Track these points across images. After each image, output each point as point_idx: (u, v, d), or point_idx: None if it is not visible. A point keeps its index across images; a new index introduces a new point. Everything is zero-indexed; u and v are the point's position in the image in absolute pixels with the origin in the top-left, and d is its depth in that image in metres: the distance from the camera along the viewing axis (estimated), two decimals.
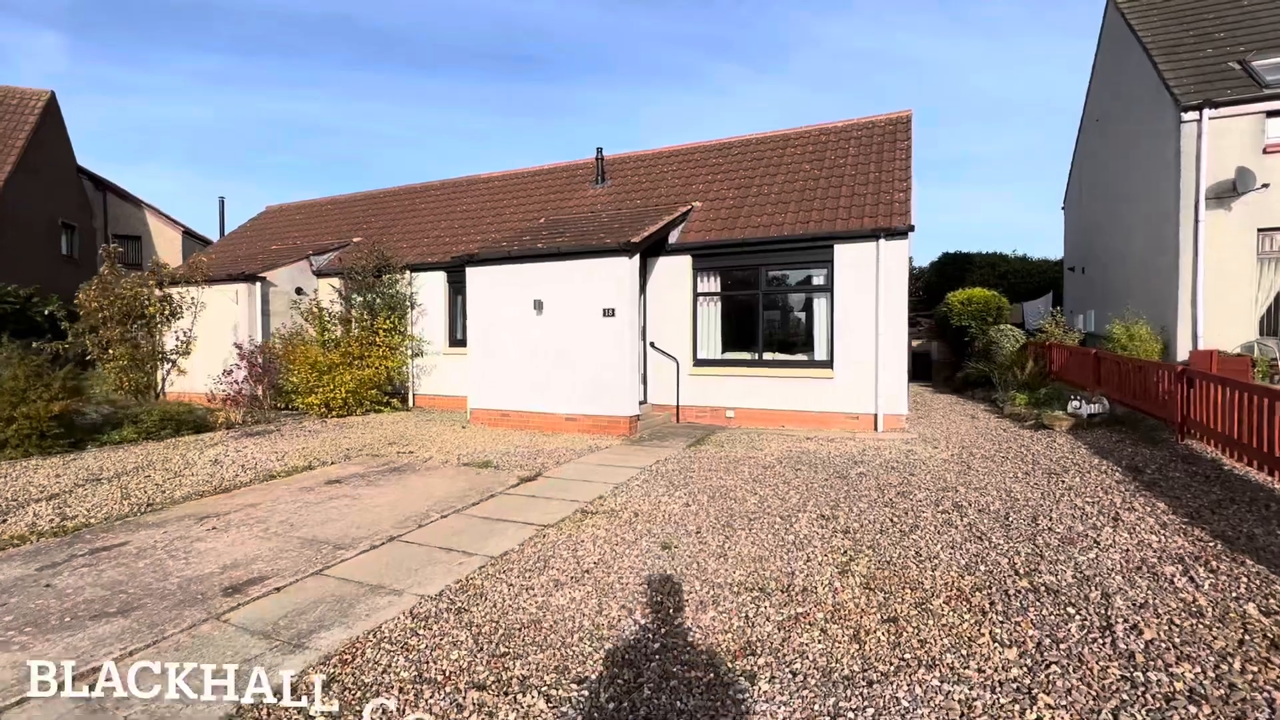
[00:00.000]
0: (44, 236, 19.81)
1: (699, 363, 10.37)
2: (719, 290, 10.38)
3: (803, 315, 10.30)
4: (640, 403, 10.38)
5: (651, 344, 10.52)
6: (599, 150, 13.46)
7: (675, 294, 10.41)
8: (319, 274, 13.89)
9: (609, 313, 9.03)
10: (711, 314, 10.40)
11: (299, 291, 13.62)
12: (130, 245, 23.41)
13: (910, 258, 10.03)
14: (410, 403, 12.92)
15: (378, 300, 12.41)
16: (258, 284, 12.83)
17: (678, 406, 10.38)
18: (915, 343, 18.44)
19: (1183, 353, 10.33)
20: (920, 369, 17.17)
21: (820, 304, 9.69)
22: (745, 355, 10.28)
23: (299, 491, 6.19)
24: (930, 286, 23.80)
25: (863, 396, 9.20)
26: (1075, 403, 7.92)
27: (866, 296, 9.14)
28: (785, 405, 9.67)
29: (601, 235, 9.58)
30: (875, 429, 9.10)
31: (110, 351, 9.18)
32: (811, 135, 12.29)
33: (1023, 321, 19.63)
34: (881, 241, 8.99)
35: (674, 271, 10.43)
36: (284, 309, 13.40)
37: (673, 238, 10.46)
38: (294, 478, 6.77)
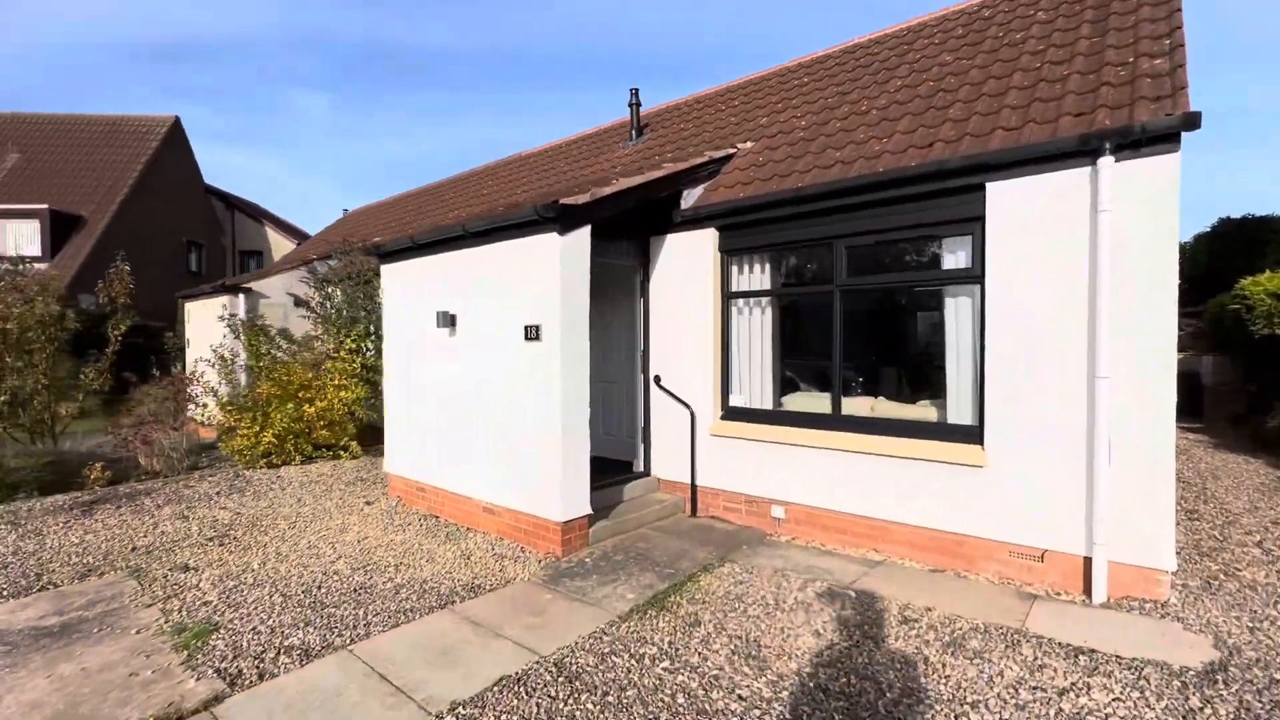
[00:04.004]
0: (170, 254, 20.80)
1: (730, 414, 5.96)
2: (766, 287, 5.86)
3: (921, 331, 5.42)
4: (638, 475, 6.30)
5: (656, 380, 6.33)
6: (633, 94, 9.47)
7: (690, 294, 6.12)
8: (323, 282, 11.70)
9: (532, 333, 5.08)
10: (752, 329, 5.93)
11: (297, 303, 11.55)
12: (253, 259, 24.44)
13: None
14: None
15: (342, 311, 9.74)
16: (241, 295, 10.94)
17: (693, 487, 6.08)
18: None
19: None
20: (1182, 400, 10.54)
21: (957, 308, 4.78)
22: (810, 405, 5.64)
23: None
24: (1194, 267, 15.93)
25: (1054, 510, 4.16)
26: None
27: (1066, 286, 4.11)
28: (883, 510, 4.91)
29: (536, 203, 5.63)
30: (1086, 595, 4.01)
31: None
32: (961, 15, 7.10)
33: None
34: (1106, 164, 3.89)
35: (689, 257, 6.14)
36: (279, 322, 11.41)
37: (688, 200, 6.17)
38: None
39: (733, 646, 3.47)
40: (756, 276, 5.91)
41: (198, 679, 3.30)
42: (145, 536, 5.68)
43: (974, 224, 4.52)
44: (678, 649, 3.46)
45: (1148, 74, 4.20)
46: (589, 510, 5.13)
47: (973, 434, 4.58)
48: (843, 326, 5.27)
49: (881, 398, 5.50)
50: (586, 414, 5.12)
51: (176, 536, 5.68)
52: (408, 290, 6.52)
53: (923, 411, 5.10)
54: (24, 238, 16.90)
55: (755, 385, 5.92)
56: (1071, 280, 4.08)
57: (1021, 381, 4.29)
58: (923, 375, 5.28)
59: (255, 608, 4.14)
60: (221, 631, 3.80)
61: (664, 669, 3.26)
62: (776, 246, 5.71)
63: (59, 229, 17.14)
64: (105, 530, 5.83)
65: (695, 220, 6.00)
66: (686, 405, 6.06)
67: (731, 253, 5.97)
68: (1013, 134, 4.37)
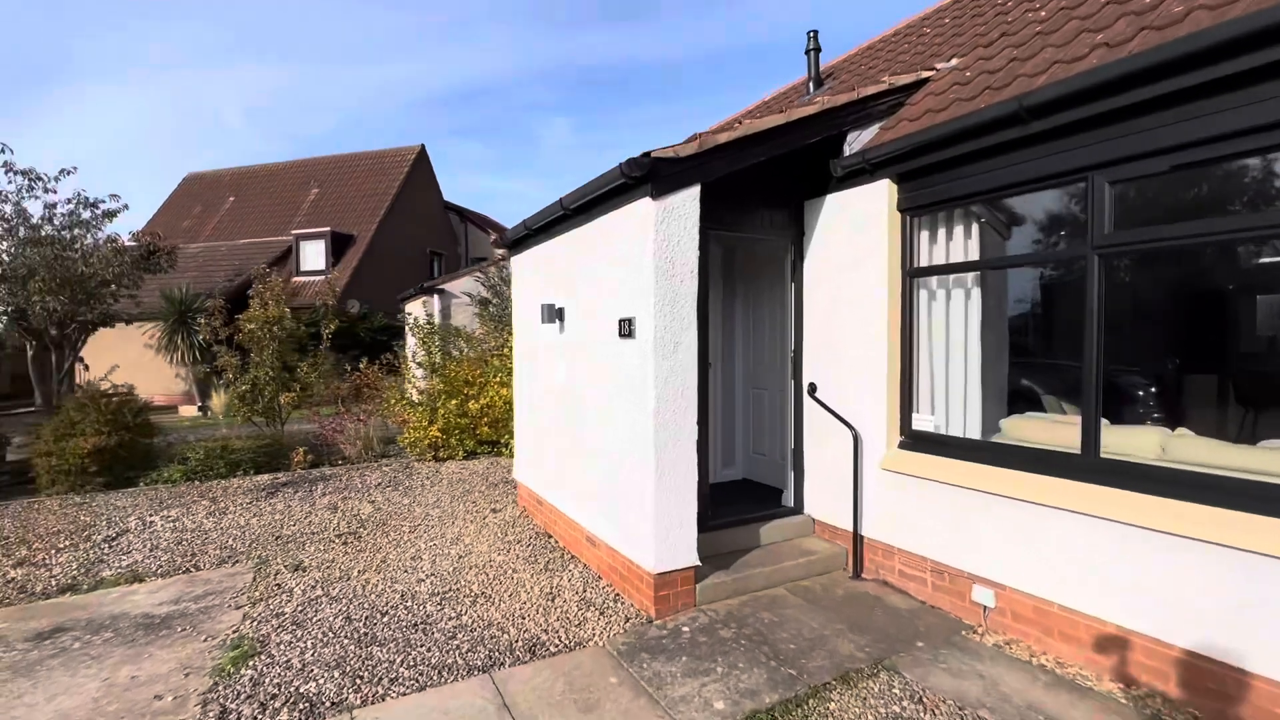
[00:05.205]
0: (416, 264, 24.22)
1: (912, 441, 4.20)
2: (970, 258, 4.00)
3: (1259, 320, 3.11)
4: (786, 510, 4.92)
5: (810, 389, 4.81)
6: (810, 38, 7.79)
7: (856, 273, 4.48)
8: (501, 282, 12.15)
9: (625, 328, 4.02)
10: (949, 321, 4.11)
11: (483, 303, 12.14)
12: (480, 265, 27.37)
13: None
14: None
15: (507, 308, 9.76)
16: (436, 296, 11.80)
17: (856, 536, 4.44)
18: None
19: None
20: None
21: None
22: (1044, 436, 3.65)
23: None
24: None
25: None
26: None
27: None
28: (1185, 631, 2.85)
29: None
30: None
31: (229, 375, 8.83)
32: None
33: None
34: None
35: (854, 222, 4.51)
36: (467, 320, 12.11)
37: (855, 144, 4.54)
38: None
39: None
40: (956, 244, 4.07)
41: None
42: (294, 525, 5.94)
43: None
44: None
45: None
46: (695, 561, 3.91)
47: None
48: (1103, 314, 3.24)
49: (1183, 431, 3.32)
50: (693, 434, 3.90)
51: (318, 528, 5.84)
52: (527, 281, 5.97)
53: (1267, 460, 2.87)
54: (316, 254, 20.97)
55: (952, 402, 4.09)
56: None
57: None
58: (1263, 396, 3.01)
59: (313, 630, 3.78)
60: (262, 657, 3.46)
61: None
62: (987, 195, 3.83)
63: (337, 246, 20.87)
64: (270, 515, 6.27)
65: (863, 171, 4.36)
66: (849, 426, 4.46)
67: (916, 211, 4.21)
68: None
